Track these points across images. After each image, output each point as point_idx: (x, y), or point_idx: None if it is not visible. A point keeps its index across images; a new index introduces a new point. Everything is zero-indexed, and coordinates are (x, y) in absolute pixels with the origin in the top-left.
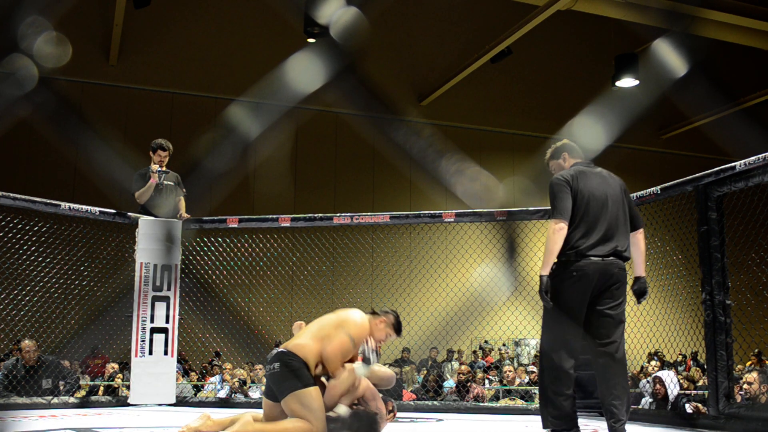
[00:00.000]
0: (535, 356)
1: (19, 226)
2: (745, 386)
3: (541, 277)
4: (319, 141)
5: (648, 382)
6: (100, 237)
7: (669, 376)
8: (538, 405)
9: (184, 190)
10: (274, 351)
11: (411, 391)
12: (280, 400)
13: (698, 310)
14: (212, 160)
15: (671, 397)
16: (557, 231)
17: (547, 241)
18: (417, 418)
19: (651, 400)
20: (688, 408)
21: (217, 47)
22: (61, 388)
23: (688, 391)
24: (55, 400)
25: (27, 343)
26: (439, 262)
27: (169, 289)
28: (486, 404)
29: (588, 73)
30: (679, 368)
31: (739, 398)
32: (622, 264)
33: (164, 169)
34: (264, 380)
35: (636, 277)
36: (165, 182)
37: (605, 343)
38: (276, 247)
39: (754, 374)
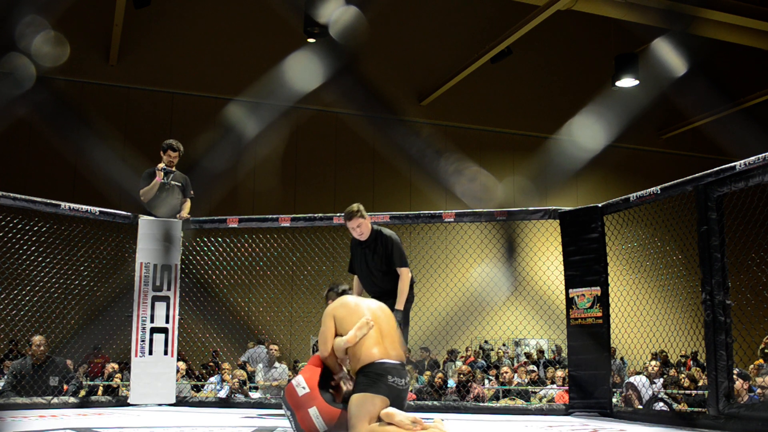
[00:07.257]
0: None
1: (19, 226)
2: (759, 390)
3: (397, 311)
4: (319, 141)
5: (622, 389)
6: (100, 237)
7: (641, 381)
8: (537, 405)
9: (192, 192)
10: (397, 364)
11: (411, 391)
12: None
13: (698, 310)
14: (212, 160)
15: (644, 401)
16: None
17: (405, 284)
18: None
19: (624, 407)
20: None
21: (217, 47)
22: (65, 388)
23: (663, 394)
24: (55, 400)
25: (37, 338)
26: (438, 262)
27: (169, 289)
28: (486, 404)
29: (588, 73)
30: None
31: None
32: None
33: (172, 168)
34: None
35: None
36: (171, 182)
37: None
38: (276, 247)
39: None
